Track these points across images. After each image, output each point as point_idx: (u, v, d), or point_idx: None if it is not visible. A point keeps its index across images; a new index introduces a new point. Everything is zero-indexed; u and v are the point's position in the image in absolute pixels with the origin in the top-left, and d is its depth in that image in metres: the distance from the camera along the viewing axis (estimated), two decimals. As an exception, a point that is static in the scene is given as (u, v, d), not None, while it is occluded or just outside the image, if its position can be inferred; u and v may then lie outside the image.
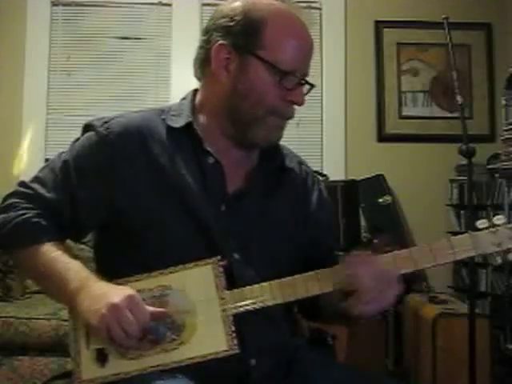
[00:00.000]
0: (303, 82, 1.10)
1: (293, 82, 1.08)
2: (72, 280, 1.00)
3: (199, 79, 1.16)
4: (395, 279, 1.00)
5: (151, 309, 0.96)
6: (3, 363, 2.26)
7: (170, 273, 1.00)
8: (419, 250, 1.04)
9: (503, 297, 2.73)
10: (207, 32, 1.12)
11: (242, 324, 1.00)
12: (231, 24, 1.08)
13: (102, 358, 0.96)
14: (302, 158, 1.28)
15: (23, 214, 1.05)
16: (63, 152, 1.12)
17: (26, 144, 3.18)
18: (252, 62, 1.07)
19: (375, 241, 2.82)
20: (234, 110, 1.09)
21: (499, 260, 1.03)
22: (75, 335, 0.99)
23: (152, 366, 0.95)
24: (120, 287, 0.97)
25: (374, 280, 0.97)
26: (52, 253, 1.03)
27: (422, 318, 2.51)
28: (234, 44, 1.08)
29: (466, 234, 1.03)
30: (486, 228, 1.03)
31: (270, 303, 1.00)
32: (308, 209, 1.22)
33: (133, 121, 1.12)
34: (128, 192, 1.06)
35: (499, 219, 1.03)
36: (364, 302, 0.98)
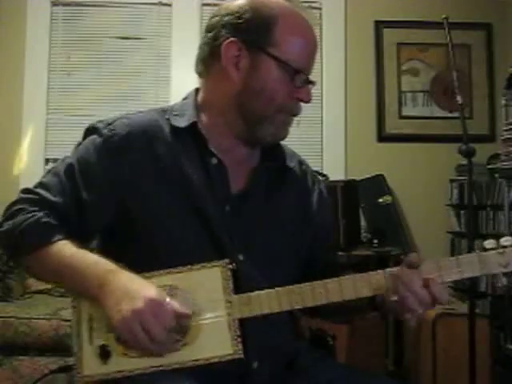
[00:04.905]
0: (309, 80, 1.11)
1: (302, 80, 1.09)
2: (91, 275, 0.98)
3: (202, 76, 1.15)
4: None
5: (176, 307, 0.94)
6: (3, 363, 2.26)
7: (178, 273, 0.99)
8: (426, 266, 1.01)
9: (503, 297, 2.72)
10: (213, 29, 1.10)
11: (244, 326, 0.99)
12: (240, 21, 1.07)
13: (105, 354, 0.96)
14: (302, 157, 1.28)
15: (33, 216, 1.02)
16: (67, 157, 1.11)
17: (25, 144, 3.18)
18: (263, 59, 1.07)
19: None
20: (243, 107, 1.09)
21: (505, 281, 1.02)
22: (78, 330, 0.98)
23: (155, 366, 0.94)
24: (142, 285, 0.95)
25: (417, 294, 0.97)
26: (67, 250, 1.01)
27: (422, 318, 2.51)
28: (245, 41, 1.07)
29: (473, 254, 1.02)
30: (494, 249, 1.02)
31: (276, 309, 0.99)
32: (309, 208, 1.22)
33: (137, 121, 1.11)
34: (135, 192, 1.05)
35: (507, 240, 1.02)
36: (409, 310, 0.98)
